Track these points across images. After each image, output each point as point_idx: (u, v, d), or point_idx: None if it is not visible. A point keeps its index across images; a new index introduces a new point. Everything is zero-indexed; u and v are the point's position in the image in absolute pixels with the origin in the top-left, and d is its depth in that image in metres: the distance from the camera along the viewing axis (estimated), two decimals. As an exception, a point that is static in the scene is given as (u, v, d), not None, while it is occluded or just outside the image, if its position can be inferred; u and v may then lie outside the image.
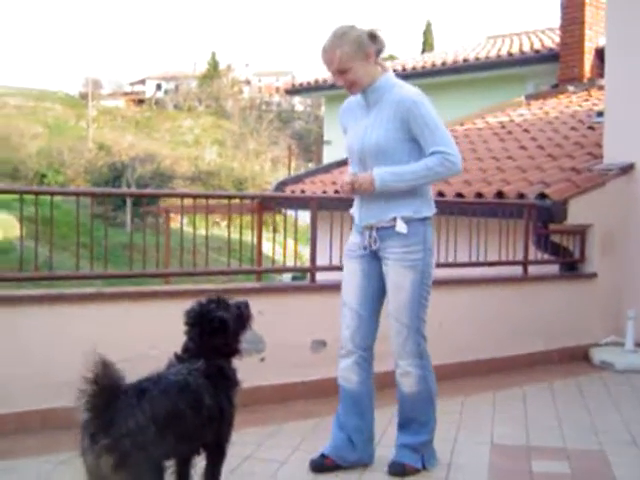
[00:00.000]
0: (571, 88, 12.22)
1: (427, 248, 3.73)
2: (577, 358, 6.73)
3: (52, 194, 5.02)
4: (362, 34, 3.66)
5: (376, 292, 3.83)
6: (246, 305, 3.35)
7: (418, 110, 3.60)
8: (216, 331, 3.19)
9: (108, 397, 2.67)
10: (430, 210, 3.79)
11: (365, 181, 3.64)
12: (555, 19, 13.42)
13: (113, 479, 2.68)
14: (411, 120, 3.60)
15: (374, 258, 3.79)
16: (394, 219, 3.68)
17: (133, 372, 2.93)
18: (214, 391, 3.08)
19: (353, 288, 3.85)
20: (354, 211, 3.90)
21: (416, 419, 3.82)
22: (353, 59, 3.61)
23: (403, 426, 3.86)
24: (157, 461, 2.83)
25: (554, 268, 7.13)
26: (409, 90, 3.69)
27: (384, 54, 3.91)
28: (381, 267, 3.79)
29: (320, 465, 3.82)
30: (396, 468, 3.77)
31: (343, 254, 4.07)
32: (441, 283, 5.98)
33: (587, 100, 11.30)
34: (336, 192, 9.62)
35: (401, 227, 3.66)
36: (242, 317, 3.30)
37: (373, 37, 3.70)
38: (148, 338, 4.69)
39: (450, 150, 3.61)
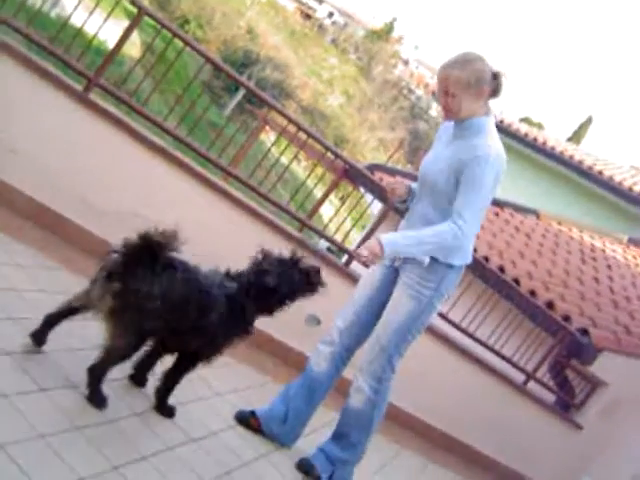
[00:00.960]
0: (673, 258, 11.93)
1: (439, 292, 3.63)
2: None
3: (186, 43, 5.03)
4: (486, 70, 3.52)
5: (383, 304, 3.77)
6: (317, 272, 3.40)
7: (472, 167, 3.45)
8: (260, 289, 3.26)
9: (145, 254, 2.82)
10: (462, 259, 3.64)
11: (375, 248, 3.44)
12: None
13: (104, 317, 2.87)
14: (463, 172, 3.47)
15: (393, 273, 3.75)
16: None
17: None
18: (224, 315, 3.16)
19: (364, 291, 3.85)
20: (402, 225, 3.85)
21: (348, 436, 3.79)
22: (464, 89, 3.48)
23: (335, 437, 3.84)
24: (144, 329, 2.96)
25: (550, 397, 7.02)
26: (486, 143, 3.50)
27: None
28: (396, 282, 3.74)
29: (245, 419, 3.83)
30: (306, 465, 3.74)
31: None
32: (449, 342, 5.97)
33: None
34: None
35: (423, 258, 3.56)
36: (305, 285, 3.36)
37: (495, 77, 3.55)
38: (181, 210, 4.71)
39: (466, 216, 3.44)
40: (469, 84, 3.48)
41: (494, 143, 3.53)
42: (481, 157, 3.45)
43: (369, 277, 3.87)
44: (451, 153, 3.57)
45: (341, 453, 3.80)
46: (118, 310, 2.85)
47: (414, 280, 3.62)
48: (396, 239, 3.52)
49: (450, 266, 3.61)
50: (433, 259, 3.56)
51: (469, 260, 3.70)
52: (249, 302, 3.26)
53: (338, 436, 3.83)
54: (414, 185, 3.85)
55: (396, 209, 3.98)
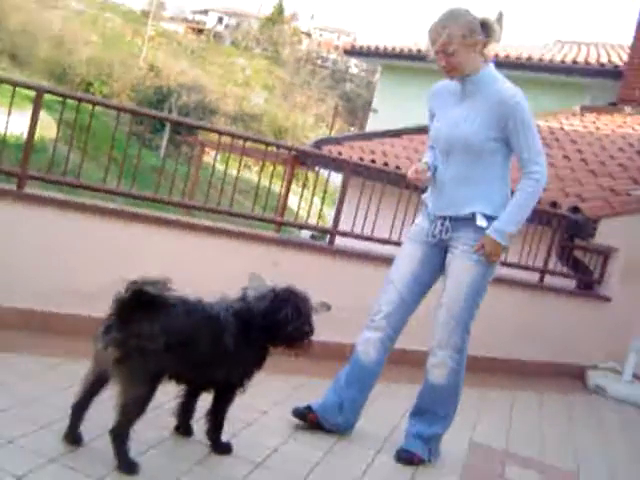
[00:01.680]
0: (628, 109, 12.03)
1: None
2: (572, 376, 6.73)
3: (94, 104, 5.01)
4: (475, 21, 3.56)
5: (427, 282, 3.79)
6: (310, 325, 3.35)
7: (520, 114, 3.53)
8: (267, 325, 3.23)
9: (135, 302, 2.84)
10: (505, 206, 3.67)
11: (493, 247, 3.56)
12: (628, 37, 13.18)
13: (112, 371, 2.86)
14: (510, 122, 3.52)
15: (437, 246, 3.73)
16: (472, 214, 3.60)
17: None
18: (240, 334, 3.14)
19: (405, 271, 3.79)
20: (427, 198, 3.82)
21: (434, 411, 3.77)
22: (459, 43, 3.50)
23: (418, 414, 3.81)
24: (155, 372, 2.92)
25: (570, 283, 7.08)
26: (510, 89, 3.59)
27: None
28: (442, 257, 3.73)
29: (302, 415, 3.85)
30: (406, 456, 3.72)
31: (406, 234, 4.02)
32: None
33: (641, 124, 11.13)
34: (372, 161, 9.59)
35: (481, 221, 3.58)
36: (299, 318, 3.30)
37: (485, 26, 3.59)
38: (159, 263, 4.71)
39: (539, 160, 3.59)
40: (464, 37, 3.52)
41: (511, 85, 3.62)
42: (519, 101, 3.55)
43: (409, 257, 3.81)
44: (476, 110, 3.59)
45: (432, 429, 3.78)
46: (123, 358, 2.84)
47: (472, 245, 3.60)
48: (502, 227, 3.56)
49: (497, 217, 3.62)
50: (488, 218, 3.57)
51: None
52: (258, 317, 3.22)
53: (423, 413, 3.80)
54: (428, 158, 3.80)
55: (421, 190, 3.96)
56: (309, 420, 3.84)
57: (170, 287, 2.89)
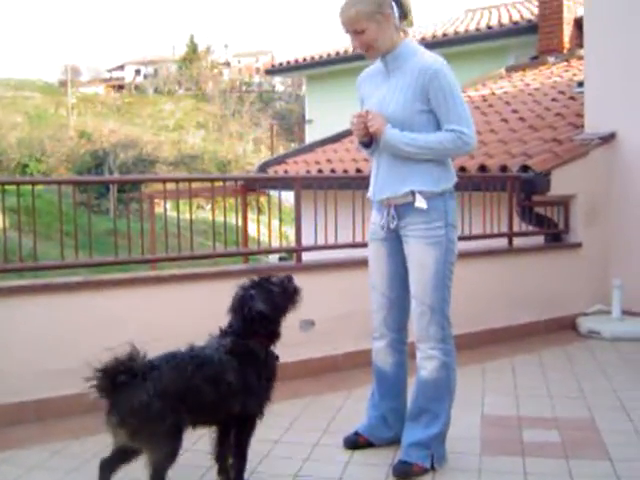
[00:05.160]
0: (551, 59, 12.22)
1: (449, 223, 3.55)
2: (564, 328, 6.78)
3: (34, 184, 4.99)
4: None
5: (403, 274, 3.66)
6: (289, 279, 3.40)
7: (439, 81, 3.43)
8: (254, 320, 3.26)
9: (113, 379, 2.90)
10: (449, 181, 3.59)
11: (377, 119, 3.48)
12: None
13: (133, 445, 2.99)
14: (431, 91, 3.43)
15: (396, 239, 3.65)
16: (412, 193, 3.51)
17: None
18: (239, 367, 3.17)
19: (380, 272, 3.75)
20: (370, 188, 3.75)
21: (429, 410, 3.60)
22: (369, 20, 3.45)
23: (413, 418, 3.64)
24: (171, 428, 2.98)
25: (539, 239, 7.16)
26: (431, 57, 3.51)
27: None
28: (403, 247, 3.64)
29: (354, 442, 3.84)
30: (402, 469, 3.52)
31: (366, 236, 3.96)
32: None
33: (567, 70, 11.30)
34: (319, 171, 9.63)
35: (420, 202, 3.49)
36: (286, 295, 3.36)
37: (397, 1, 3.51)
38: (136, 324, 4.69)
39: (466, 129, 3.46)
40: (372, 13, 3.46)
41: (432, 54, 3.54)
42: (439, 69, 3.46)
43: (376, 257, 3.76)
44: (399, 85, 3.52)
45: (428, 430, 3.59)
46: (134, 433, 2.94)
47: (422, 228, 3.52)
48: (398, 137, 3.47)
49: (443, 193, 3.54)
50: (428, 196, 3.49)
51: (456, 179, 3.67)
52: (252, 340, 3.26)
53: (417, 416, 3.63)
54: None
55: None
56: (361, 444, 3.84)
57: (139, 353, 2.97)
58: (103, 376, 2.89)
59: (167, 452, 2.98)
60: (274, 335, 3.36)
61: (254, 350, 3.25)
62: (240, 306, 3.29)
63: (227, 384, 3.13)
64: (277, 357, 3.38)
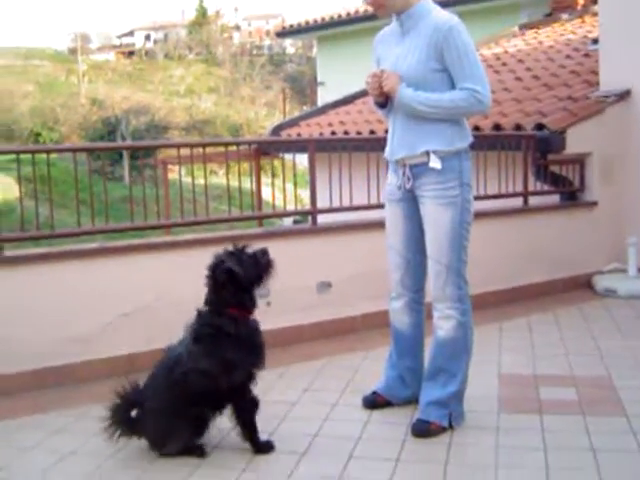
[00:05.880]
0: (565, 16, 12.04)
1: (464, 183, 3.54)
2: (581, 286, 6.78)
3: (48, 152, 5.00)
4: None
5: (419, 236, 3.66)
6: (264, 252, 3.35)
7: (453, 39, 3.41)
8: (225, 283, 3.24)
9: (123, 411, 3.36)
10: (464, 141, 3.58)
11: (392, 78, 3.47)
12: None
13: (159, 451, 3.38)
14: (445, 49, 3.41)
15: (412, 200, 3.64)
16: (426, 153, 3.50)
17: (139, 324, 3.02)
18: (209, 350, 3.22)
19: (397, 232, 3.75)
20: (387, 148, 3.74)
21: (446, 369, 3.61)
22: None
23: (431, 378, 3.66)
24: (177, 425, 3.27)
25: (555, 198, 7.12)
26: (445, 15, 3.48)
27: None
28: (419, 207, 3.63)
29: (372, 402, 3.89)
30: (420, 427, 3.55)
31: (383, 197, 3.94)
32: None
33: (581, 27, 11.15)
34: (333, 133, 9.59)
35: (435, 162, 3.49)
36: (259, 265, 3.31)
37: None
38: (152, 290, 4.73)
39: (480, 88, 3.42)
40: None
41: (447, 13, 3.52)
42: (453, 27, 3.43)
43: (393, 218, 3.76)
44: (413, 45, 3.51)
45: (446, 389, 3.61)
46: (152, 444, 3.39)
47: (437, 188, 3.51)
48: (413, 96, 3.46)
49: (458, 153, 3.53)
50: (443, 156, 3.49)
51: (471, 138, 3.64)
52: (223, 316, 3.26)
53: (434, 376, 3.65)
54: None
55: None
56: (379, 403, 3.88)
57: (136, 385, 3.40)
58: (115, 408, 3.33)
59: (186, 436, 3.32)
60: (247, 305, 3.32)
61: (221, 327, 3.24)
62: (212, 271, 3.27)
63: (201, 372, 3.19)
64: (256, 322, 3.36)
